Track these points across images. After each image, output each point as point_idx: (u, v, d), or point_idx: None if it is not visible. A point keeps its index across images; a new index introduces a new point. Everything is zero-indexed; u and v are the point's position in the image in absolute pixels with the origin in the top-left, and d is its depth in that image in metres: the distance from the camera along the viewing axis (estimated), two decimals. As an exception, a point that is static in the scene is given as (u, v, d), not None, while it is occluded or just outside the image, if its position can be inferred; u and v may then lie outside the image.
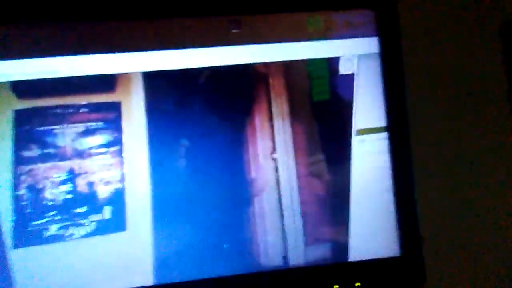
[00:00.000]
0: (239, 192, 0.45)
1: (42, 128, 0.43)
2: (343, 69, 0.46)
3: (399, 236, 0.46)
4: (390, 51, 0.46)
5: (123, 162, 0.44)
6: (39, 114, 0.43)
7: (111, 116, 0.44)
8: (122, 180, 0.44)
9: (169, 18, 0.43)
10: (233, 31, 0.44)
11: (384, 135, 0.46)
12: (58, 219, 0.43)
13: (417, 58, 0.47)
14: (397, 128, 0.46)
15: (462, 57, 0.49)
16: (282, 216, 0.46)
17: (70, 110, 0.43)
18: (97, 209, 0.43)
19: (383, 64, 0.46)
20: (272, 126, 0.46)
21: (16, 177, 0.42)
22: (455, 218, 0.48)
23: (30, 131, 0.43)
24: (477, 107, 0.49)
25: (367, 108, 0.46)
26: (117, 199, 0.44)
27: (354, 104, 0.46)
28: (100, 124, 0.44)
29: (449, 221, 0.48)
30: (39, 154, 0.43)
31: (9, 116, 0.42)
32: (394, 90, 0.46)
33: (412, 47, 0.47)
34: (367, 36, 0.46)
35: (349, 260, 0.46)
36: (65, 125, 0.43)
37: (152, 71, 0.44)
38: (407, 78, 0.46)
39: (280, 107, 0.46)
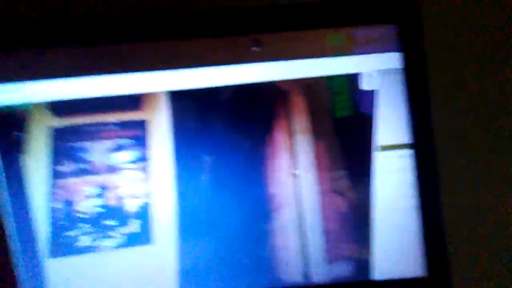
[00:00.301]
0: (260, 208, 0.46)
1: (75, 145, 0.45)
2: (365, 85, 0.45)
3: (426, 256, 0.45)
4: (414, 66, 0.45)
5: (149, 177, 0.45)
6: (73, 132, 0.45)
7: (138, 133, 0.46)
8: (148, 194, 0.45)
9: (191, 39, 0.45)
10: (254, 49, 0.45)
11: (408, 151, 0.45)
12: (90, 231, 0.45)
13: (442, 72, 0.46)
14: (422, 145, 0.45)
15: (490, 71, 0.47)
16: (303, 232, 0.46)
17: (101, 128, 0.45)
18: (125, 222, 0.45)
19: (407, 80, 0.45)
20: (293, 143, 0.46)
21: (52, 191, 0.45)
22: (486, 237, 0.46)
23: (64, 147, 0.45)
24: (508, 122, 0.47)
25: (390, 124, 0.45)
26: (144, 213, 0.45)
27: (377, 120, 0.45)
28: (128, 141, 0.46)
29: (479, 240, 0.46)
30: (73, 169, 0.45)
31: (47, 133, 0.45)
32: (418, 106, 0.45)
33: (437, 61, 0.45)
34: (390, 51, 0.45)
35: (373, 278, 0.45)
36: (96, 142, 0.45)
37: (176, 90, 0.45)
38: (432, 93, 0.45)
39: (301, 123, 0.46)
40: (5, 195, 0.44)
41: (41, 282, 0.45)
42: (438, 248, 0.44)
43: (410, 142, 0.45)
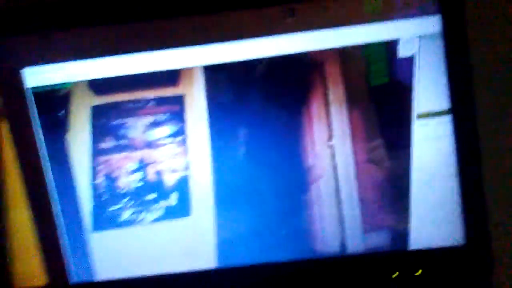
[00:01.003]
0: (296, 179, 0.45)
1: (116, 122, 0.46)
2: (403, 52, 0.44)
3: (465, 224, 0.44)
4: (453, 30, 0.43)
5: (187, 151, 0.46)
6: (113, 109, 0.46)
7: (175, 109, 0.46)
8: (186, 168, 0.46)
9: (225, 12, 0.44)
10: (288, 19, 0.44)
11: (447, 118, 0.44)
12: (131, 205, 0.46)
13: (483, 36, 0.44)
14: (462, 111, 0.43)
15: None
16: (339, 203, 0.45)
17: (140, 104, 0.46)
18: (165, 196, 0.46)
19: (446, 44, 0.43)
20: (328, 113, 0.45)
21: (94, 167, 0.46)
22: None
23: (106, 125, 0.46)
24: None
25: (429, 91, 0.44)
26: (183, 186, 0.46)
27: (415, 87, 0.44)
28: (166, 116, 0.46)
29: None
30: (114, 146, 0.46)
31: (88, 111, 0.46)
32: (458, 71, 0.43)
33: (477, 24, 0.43)
34: (428, 15, 0.43)
35: (410, 248, 0.44)
36: (135, 118, 0.46)
37: (211, 64, 0.45)
38: (472, 57, 0.43)
39: (336, 93, 0.45)
40: (50, 172, 0.46)
41: (86, 255, 0.47)
42: (478, 216, 0.43)
43: (449, 108, 0.43)
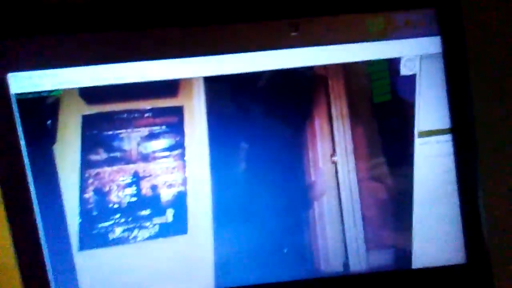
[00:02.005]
0: (298, 196, 0.43)
1: (109, 133, 0.43)
2: (405, 70, 0.43)
3: (465, 243, 0.43)
4: (453, 50, 0.43)
5: (185, 165, 0.43)
6: (106, 119, 0.43)
7: (173, 120, 0.43)
8: (184, 183, 0.43)
9: (229, 24, 0.42)
10: (292, 34, 0.43)
11: (448, 137, 0.43)
12: (123, 222, 0.43)
13: (483, 56, 0.44)
14: (462, 130, 0.43)
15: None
16: (342, 221, 0.43)
17: (135, 115, 0.43)
18: (160, 212, 0.43)
19: (446, 64, 0.43)
20: (331, 129, 0.44)
21: (84, 180, 0.42)
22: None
23: (98, 135, 0.43)
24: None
25: (430, 110, 0.43)
26: (179, 202, 0.43)
27: (417, 105, 0.43)
28: (164, 128, 0.43)
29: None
30: (106, 158, 0.43)
31: (78, 121, 0.43)
32: (458, 91, 0.43)
33: (477, 45, 0.44)
34: (430, 35, 0.43)
35: (413, 267, 0.43)
36: (130, 130, 0.43)
37: (212, 76, 0.43)
38: (472, 77, 0.43)
39: (339, 109, 0.44)
40: (33, 185, 0.42)
41: (73, 275, 0.42)
42: (478, 235, 0.42)
43: (450, 127, 0.43)
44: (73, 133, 0.42)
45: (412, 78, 0.43)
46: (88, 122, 0.42)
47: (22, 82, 0.41)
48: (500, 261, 0.42)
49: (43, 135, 0.42)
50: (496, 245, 0.42)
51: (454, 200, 0.42)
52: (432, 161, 0.43)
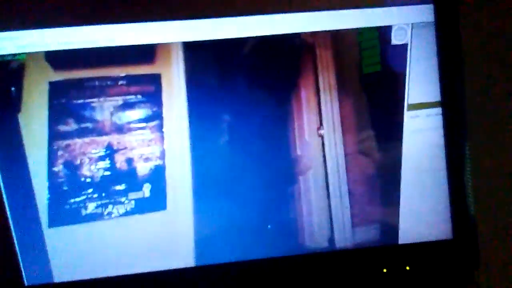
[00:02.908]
0: (283, 170, 0.41)
1: (79, 101, 0.39)
2: (396, 39, 0.41)
3: (452, 218, 0.42)
4: (446, 19, 0.40)
5: (163, 137, 0.40)
6: (76, 87, 0.38)
7: (150, 89, 0.39)
8: (162, 156, 0.40)
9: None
10: (279, -2, 0.39)
11: (439, 110, 0.41)
12: (96, 197, 0.39)
13: (476, 26, 0.42)
14: (453, 103, 0.41)
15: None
16: (328, 196, 0.41)
17: (108, 83, 0.39)
18: (137, 187, 0.39)
19: (438, 34, 0.41)
20: (319, 100, 0.41)
21: (52, 153, 0.39)
22: (512, 199, 0.43)
23: (67, 104, 0.39)
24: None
25: (421, 82, 0.41)
26: (157, 176, 0.39)
27: (407, 77, 0.41)
28: (139, 97, 0.39)
29: (505, 202, 0.43)
30: (76, 129, 0.39)
31: (44, 88, 0.38)
32: (450, 62, 0.41)
33: (470, 14, 0.41)
34: (422, 3, 0.41)
35: (399, 242, 0.42)
36: (103, 98, 0.39)
37: (193, 41, 0.39)
38: (464, 48, 0.41)
39: (327, 79, 0.41)
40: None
41: (44, 253, 0.39)
42: (465, 210, 0.41)
43: (440, 100, 0.41)
44: (39, 101, 0.38)
45: (403, 48, 0.40)
46: (55, 90, 0.38)
47: (-20, 45, 0.36)
48: (486, 237, 0.41)
49: (7, 103, 0.38)
50: (482, 220, 0.40)
51: (442, 175, 0.41)
52: (422, 134, 0.41)
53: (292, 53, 0.40)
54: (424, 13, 0.40)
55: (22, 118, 0.37)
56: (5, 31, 0.37)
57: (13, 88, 0.37)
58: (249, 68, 0.39)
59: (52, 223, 0.38)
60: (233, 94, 0.39)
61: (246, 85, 0.39)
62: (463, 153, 0.40)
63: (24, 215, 0.38)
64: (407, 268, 0.40)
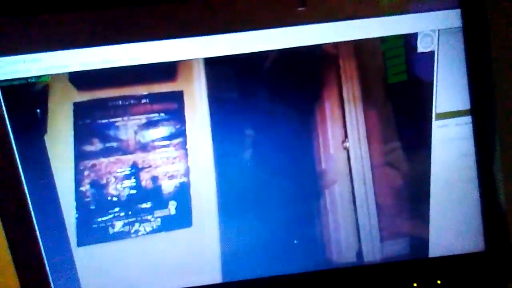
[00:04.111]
0: (309, 185, 0.39)
1: (103, 121, 0.38)
2: (422, 47, 0.39)
3: (484, 230, 0.40)
4: (474, 25, 0.38)
5: (187, 154, 0.39)
6: (99, 107, 0.38)
7: (173, 106, 0.38)
8: (187, 173, 0.39)
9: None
10: (299, 9, 0.38)
11: (468, 119, 0.39)
12: (123, 216, 0.39)
13: (506, 31, 0.39)
14: (482, 111, 0.39)
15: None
16: (355, 209, 0.40)
17: (132, 101, 0.38)
18: (162, 205, 0.39)
19: (466, 40, 0.38)
20: (343, 112, 0.39)
21: (79, 173, 0.38)
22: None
23: (91, 124, 0.38)
24: None
25: (449, 90, 0.39)
26: (182, 193, 0.39)
27: (434, 85, 0.39)
28: (162, 115, 0.38)
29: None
30: (101, 148, 0.38)
31: (69, 109, 0.38)
32: (479, 69, 0.38)
33: (500, 18, 0.39)
34: (448, 8, 0.38)
35: (429, 256, 0.40)
36: (127, 117, 0.38)
37: (213, 57, 0.38)
38: (494, 54, 0.38)
39: (351, 91, 0.39)
40: (24, 179, 0.38)
41: (73, 272, 0.39)
42: (498, 221, 0.39)
43: (469, 108, 0.39)
44: (64, 122, 0.37)
45: (429, 56, 0.38)
46: (80, 110, 0.37)
47: (5, 68, 0.36)
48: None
49: (33, 125, 0.37)
50: (517, 232, 0.38)
51: (473, 185, 0.38)
52: (451, 144, 0.39)
53: (314, 64, 0.38)
54: (451, 19, 0.38)
55: (48, 140, 0.37)
56: (29, 53, 0.36)
57: (38, 110, 0.37)
58: (271, 82, 0.38)
59: (81, 242, 0.38)
60: (256, 109, 0.38)
61: (268, 99, 0.38)
62: (494, 162, 0.38)
63: (53, 235, 0.38)
64: (438, 282, 0.38)
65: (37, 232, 0.37)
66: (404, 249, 0.38)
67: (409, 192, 0.38)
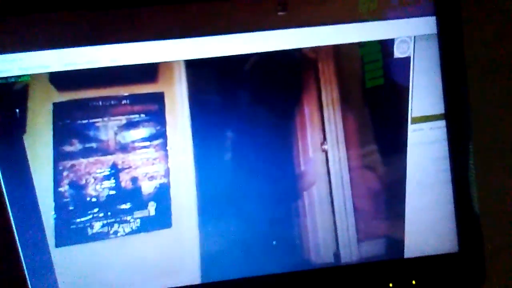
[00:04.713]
0: (287, 186, 0.39)
1: (83, 122, 0.38)
2: (398, 52, 0.39)
3: (458, 231, 0.40)
4: (449, 31, 0.39)
5: (167, 155, 0.38)
6: (79, 107, 0.37)
7: (154, 108, 0.38)
8: (167, 174, 0.38)
9: (210, 2, 0.37)
10: (279, 13, 0.38)
11: (442, 123, 0.40)
12: (102, 216, 0.38)
13: (480, 38, 0.40)
14: (457, 116, 0.39)
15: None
16: (333, 211, 0.40)
17: (112, 102, 0.38)
18: (142, 206, 0.38)
19: (441, 46, 0.39)
20: (322, 115, 0.39)
21: (58, 173, 0.38)
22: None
23: (71, 124, 0.37)
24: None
25: (424, 94, 0.39)
26: (162, 194, 0.38)
27: (410, 90, 0.39)
28: (143, 116, 0.38)
29: (512, 215, 0.41)
30: (81, 149, 0.38)
31: (49, 109, 0.37)
32: (453, 74, 0.39)
33: (474, 26, 0.40)
34: (424, 15, 0.39)
35: (405, 256, 0.40)
36: (107, 118, 0.38)
37: (194, 59, 0.38)
38: (467, 60, 0.39)
39: (330, 94, 0.39)
40: (3, 178, 0.37)
41: (52, 273, 0.38)
42: (470, 223, 0.40)
43: (444, 113, 0.40)
44: (44, 122, 0.37)
45: (406, 61, 0.39)
46: (60, 110, 0.37)
47: (-16, 67, 0.36)
48: (492, 250, 0.39)
49: (11, 124, 0.37)
50: (488, 233, 0.39)
51: (447, 188, 0.39)
52: (425, 148, 0.39)
53: (294, 68, 0.38)
54: (427, 26, 0.39)
55: (27, 139, 0.36)
56: (9, 53, 0.36)
57: (17, 110, 0.36)
58: (251, 85, 0.38)
59: (59, 243, 0.37)
60: (236, 111, 0.38)
61: (248, 102, 0.38)
62: (467, 165, 0.39)
63: (31, 235, 0.37)
64: (413, 282, 0.38)
65: (15, 233, 0.36)
66: (380, 250, 0.39)
67: (385, 194, 0.39)
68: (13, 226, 0.36)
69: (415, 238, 0.39)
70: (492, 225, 0.39)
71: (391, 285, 0.38)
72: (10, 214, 0.36)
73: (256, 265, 0.38)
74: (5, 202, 0.36)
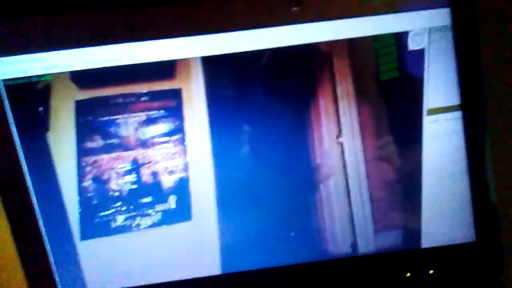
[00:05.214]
0: (304, 179, 0.40)
1: (104, 119, 0.38)
2: (413, 44, 0.39)
3: (475, 221, 0.40)
4: (463, 22, 0.39)
5: (186, 150, 0.39)
6: (101, 104, 0.38)
7: (172, 104, 0.39)
8: (186, 168, 0.39)
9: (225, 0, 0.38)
10: (293, 9, 0.38)
11: (458, 114, 0.40)
12: (124, 210, 0.39)
13: (494, 28, 0.40)
14: (472, 106, 0.39)
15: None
16: (349, 202, 0.40)
17: (132, 99, 0.39)
18: (163, 199, 0.39)
19: (455, 37, 0.39)
20: (337, 109, 0.40)
21: (81, 169, 0.39)
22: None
23: (93, 121, 0.38)
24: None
25: (439, 86, 0.39)
26: (182, 188, 0.39)
27: (425, 81, 0.39)
28: (162, 112, 0.39)
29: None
30: (103, 145, 0.39)
31: (71, 107, 0.38)
32: (468, 65, 0.39)
33: (488, 16, 0.39)
34: (438, 7, 0.39)
35: (422, 247, 0.40)
36: (127, 115, 0.39)
37: (211, 56, 0.38)
38: (482, 51, 0.39)
39: (345, 88, 0.40)
40: (29, 176, 0.38)
41: (77, 265, 0.39)
42: (488, 213, 0.39)
43: (459, 104, 0.39)
44: (66, 120, 0.38)
45: (420, 53, 0.39)
46: (81, 108, 0.38)
47: (9, 67, 0.37)
48: (510, 239, 0.39)
49: (36, 122, 0.37)
50: (505, 222, 0.39)
51: (464, 178, 0.39)
52: (441, 139, 0.39)
53: (309, 63, 0.38)
54: (441, 17, 0.38)
55: (50, 137, 0.37)
56: (32, 53, 0.37)
57: (41, 108, 0.37)
58: (267, 80, 0.39)
59: (84, 236, 0.38)
60: (252, 106, 0.38)
61: (264, 97, 0.39)
62: (484, 155, 0.38)
63: (58, 229, 0.38)
64: (431, 272, 0.38)
65: (42, 227, 0.37)
66: (397, 240, 0.39)
67: (402, 185, 0.39)
68: (40, 221, 0.37)
69: (432, 228, 0.39)
70: (509, 214, 0.39)
71: (408, 275, 0.38)
72: (37, 209, 0.37)
73: (275, 256, 0.39)
74: (32, 197, 0.37)
